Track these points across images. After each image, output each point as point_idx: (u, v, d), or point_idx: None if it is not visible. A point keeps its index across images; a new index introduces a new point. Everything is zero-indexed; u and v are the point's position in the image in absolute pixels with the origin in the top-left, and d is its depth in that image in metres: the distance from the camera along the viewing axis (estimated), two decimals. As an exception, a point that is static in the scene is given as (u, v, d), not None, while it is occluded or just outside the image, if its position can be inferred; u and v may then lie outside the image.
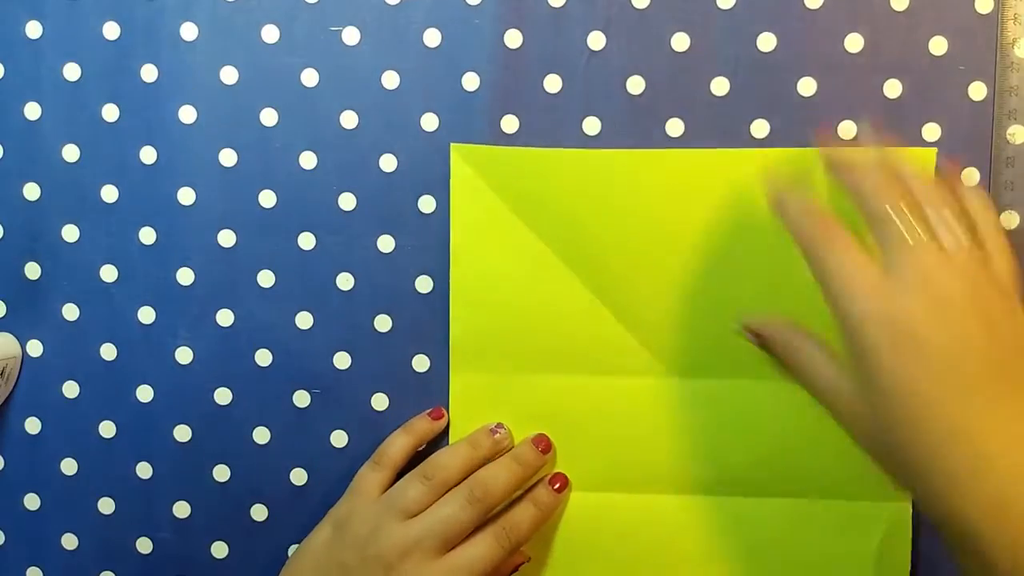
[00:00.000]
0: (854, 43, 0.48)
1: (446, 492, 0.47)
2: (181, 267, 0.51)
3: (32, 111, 0.51)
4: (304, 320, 0.51)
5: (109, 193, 0.51)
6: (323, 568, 0.46)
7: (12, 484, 0.53)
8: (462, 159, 0.49)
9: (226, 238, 0.51)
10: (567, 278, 0.49)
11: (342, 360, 0.51)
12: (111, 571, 0.52)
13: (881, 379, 0.37)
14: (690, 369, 0.49)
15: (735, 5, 0.48)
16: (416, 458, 0.49)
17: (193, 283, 0.51)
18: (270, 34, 0.50)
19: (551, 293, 0.49)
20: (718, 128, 0.49)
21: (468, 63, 0.49)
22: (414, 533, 0.45)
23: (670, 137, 0.49)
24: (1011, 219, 0.48)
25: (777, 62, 0.48)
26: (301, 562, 0.47)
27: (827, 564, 0.49)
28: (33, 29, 0.51)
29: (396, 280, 0.50)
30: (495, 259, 0.49)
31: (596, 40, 0.49)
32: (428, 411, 0.50)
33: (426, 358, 0.50)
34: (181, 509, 0.52)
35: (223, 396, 0.52)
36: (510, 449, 0.49)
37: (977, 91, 0.48)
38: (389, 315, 0.50)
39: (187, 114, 0.51)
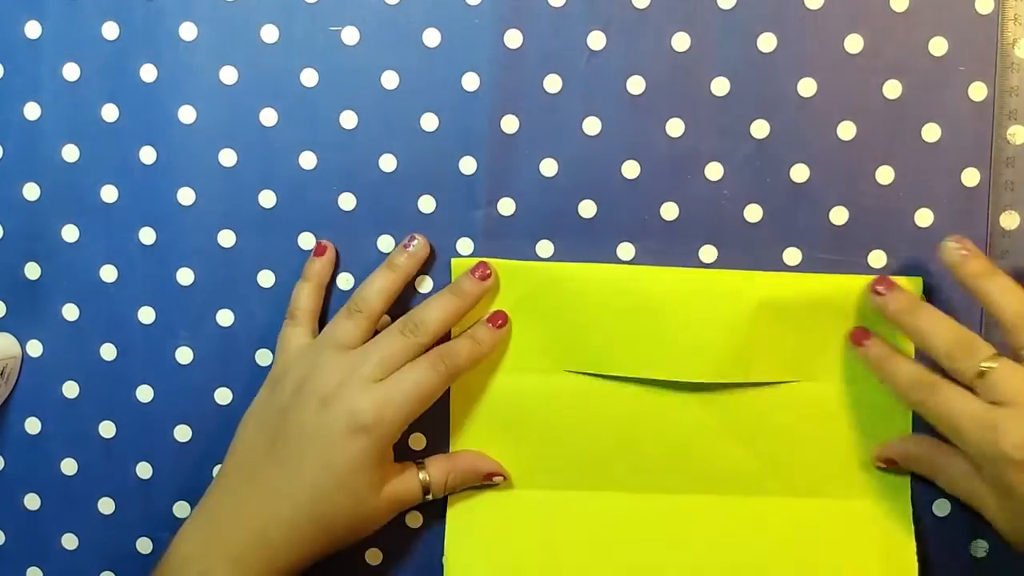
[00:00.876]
0: (854, 43, 0.48)
1: (374, 323, 0.48)
2: (181, 267, 0.51)
3: (32, 111, 0.51)
4: (304, 320, 0.51)
5: (109, 193, 0.51)
6: (262, 418, 0.47)
7: (12, 484, 0.53)
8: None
9: (226, 238, 0.51)
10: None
11: (342, 360, 0.51)
12: (111, 571, 0.52)
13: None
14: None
15: (735, 5, 0.48)
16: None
17: (193, 283, 0.51)
18: (270, 34, 0.50)
19: None
20: (718, 128, 0.49)
21: (468, 63, 0.49)
22: (349, 361, 0.46)
23: (670, 137, 0.49)
24: (1011, 219, 0.48)
25: (777, 62, 0.48)
26: (242, 427, 0.48)
27: (828, 564, 0.48)
28: (33, 29, 0.51)
29: (396, 280, 0.50)
30: None
31: (596, 40, 0.49)
32: (313, 250, 0.50)
33: (426, 358, 0.50)
34: (181, 509, 0.52)
35: (223, 396, 0.52)
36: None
37: (977, 91, 0.48)
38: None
39: (187, 114, 0.51)
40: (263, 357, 0.51)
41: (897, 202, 0.48)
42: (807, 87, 0.48)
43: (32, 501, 0.53)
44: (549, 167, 0.49)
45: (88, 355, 0.52)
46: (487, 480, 0.49)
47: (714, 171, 0.49)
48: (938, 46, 0.48)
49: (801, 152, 0.48)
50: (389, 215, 0.50)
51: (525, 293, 0.49)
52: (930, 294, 0.48)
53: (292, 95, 0.50)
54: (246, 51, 0.50)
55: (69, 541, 0.53)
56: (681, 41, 0.49)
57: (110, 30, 0.51)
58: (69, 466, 0.52)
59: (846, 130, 0.48)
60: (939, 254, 0.45)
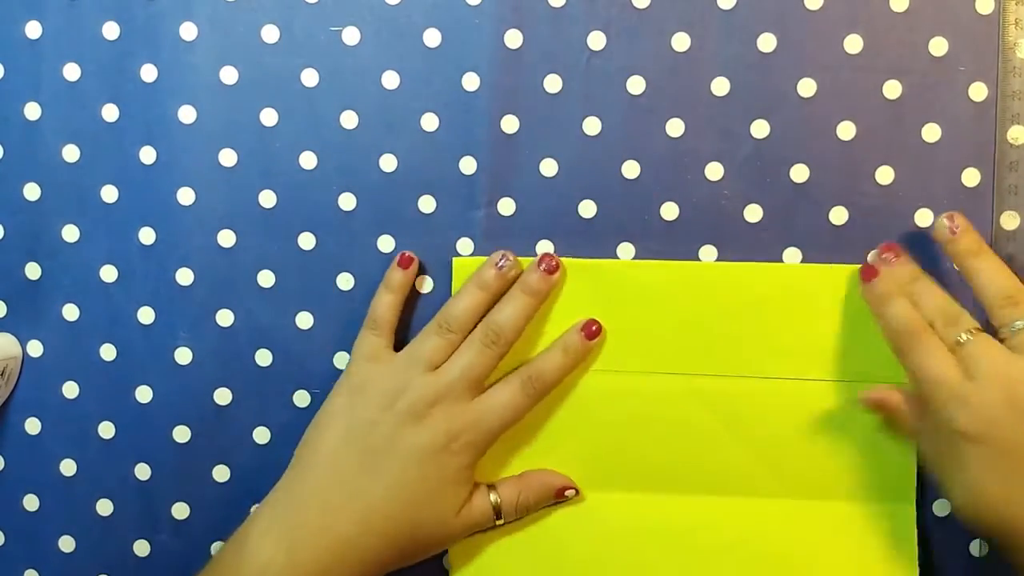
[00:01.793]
0: (854, 44, 0.48)
1: (464, 339, 0.47)
2: (181, 267, 0.51)
3: (32, 111, 0.51)
4: (304, 320, 0.51)
5: (109, 193, 0.51)
6: (349, 428, 0.47)
7: (12, 484, 0.53)
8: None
9: (226, 238, 0.51)
10: None
11: (342, 360, 0.51)
12: (107, 575, 0.52)
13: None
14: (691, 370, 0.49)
15: (735, 5, 0.48)
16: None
17: (193, 283, 0.51)
18: (270, 34, 0.50)
19: None
20: (718, 128, 0.49)
21: (468, 63, 0.50)
22: (442, 382, 0.47)
23: (670, 137, 0.49)
24: (1012, 221, 0.48)
25: (777, 62, 0.48)
26: (323, 430, 0.48)
27: (829, 565, 0.48)
28: (33, 29, 0.51)
29: (396, 280, 0.50)
30: None
31: (596, 40, 0.49)
32: (395, 260, 0.49)
33: (426, 358, 0.50)
34: (180, 510, 0.52)
35: (223, 396, 0.51)
36: (518, 277, 0.49)
37: (977, 92, 0.48)
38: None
39: (187, 114, 0.51)
40: (263, 357, 0.51)
41: (897, 202, 0.48)
42: (807, 87, 0.48)
43: (31, 502, 0.53)
44: (549, 167, 0.49)
45: (88, 355, 0.52)
46: (559, 497, 0.49)
47: (714, 171, 0.49)
48: (938, 46, 0.48)
49: (801, 152, 0.48)
50: (389, 215, 0.50)
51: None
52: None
53: (292, 95, 0.50)
54: (246, 51, 0.50)
55: (66, 544, 0.52)
56: (681, 41, 0.49)
57: (110, 30, 0.51)
58: (68, 467, 0.52)
59: (846, 130, 0.48)
60: (932, 231, 0.46)
